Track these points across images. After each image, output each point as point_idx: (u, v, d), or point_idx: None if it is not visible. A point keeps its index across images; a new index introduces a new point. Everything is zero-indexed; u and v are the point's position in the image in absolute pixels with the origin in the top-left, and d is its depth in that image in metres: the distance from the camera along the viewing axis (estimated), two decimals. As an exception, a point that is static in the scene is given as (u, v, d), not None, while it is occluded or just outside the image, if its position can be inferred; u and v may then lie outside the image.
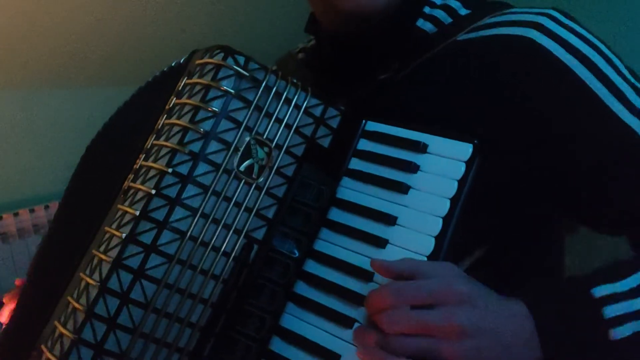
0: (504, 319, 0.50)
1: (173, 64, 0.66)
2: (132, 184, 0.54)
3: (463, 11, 0.66)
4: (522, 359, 0.50)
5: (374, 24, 0.65)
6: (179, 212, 0.52)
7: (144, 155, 0.56)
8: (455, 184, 0.54)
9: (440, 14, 0.66)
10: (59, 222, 0.72)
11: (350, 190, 0.59)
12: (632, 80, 0.59)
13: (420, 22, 0.66)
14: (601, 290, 0.52)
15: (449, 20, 0.66)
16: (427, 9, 0.66)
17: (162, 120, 0.57)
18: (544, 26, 0.59)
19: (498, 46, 0.60)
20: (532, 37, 0.59)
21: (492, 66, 0.60)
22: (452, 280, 0.51)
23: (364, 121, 0.61)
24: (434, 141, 0.57)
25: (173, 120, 0.55)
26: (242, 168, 0.54)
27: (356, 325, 0.53)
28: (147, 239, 0.51)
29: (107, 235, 0.53)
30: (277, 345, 0.55)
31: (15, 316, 0.67)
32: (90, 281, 0.51)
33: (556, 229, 0.68)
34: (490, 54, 0.61)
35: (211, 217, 0.53)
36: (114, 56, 1.55)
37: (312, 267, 0.57)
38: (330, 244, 0.57)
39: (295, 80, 0.58)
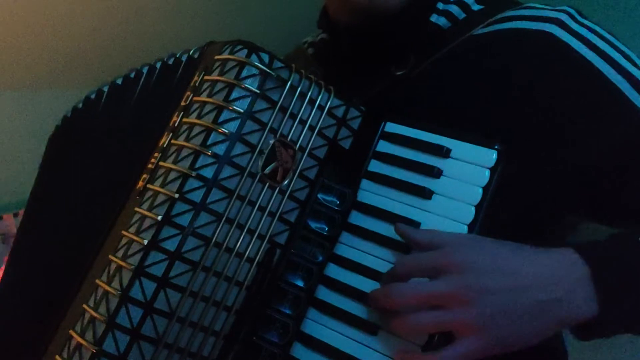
0: (530, 272, 0.48)
1: (178, 55, 0.63)
2: (150, 186, 0.52)
3: (476, 7, 0.66)
4: (566, 311, 0.48)
5: (388, 19, 0.64)
6: (203, 217, 0.50)
7: (159, 154, 0.53)
8: (480, 191, 0.54)
9: (454, 9, 0.65)
10: (42, 218, 0.68)
11: (370, 193, 0.58)
12: None
13: (434, 18, 0.65)
14: None
15: (463, 15, 0.65)
16: (440, 5, 0.65)
17: (179, 117, 0.54)
18: (564, 22, 0.60)
19: (518, 40, 0.61)
20: (552, 32, 0.59)
21: (512, 60, 0.60)
22: (451, 250, 0.50)
23: (383, 122, 0.60)
24: (457, 146, 0.57)
25: (194, 120, 0.52)
26: (266, 171, 0.53)
27: (380, 332, 0.53)
28: (171, 245, 0.49)
29: (124, 240, 0.50)
30: (299, 351, 0.54)
31: (10, 315, 0.63)
32: (110, 289, 0.48)
33: (562, 227, 0.69)
34: (510, 47, 0.61)
35: (236, 222, 0.51)
36: (114, 56, 1.50)
37: (334, 271, 0.56)
38: (352, 248, 0.56)
39: (318, 79, 0.56)
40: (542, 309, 0.48)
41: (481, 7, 0.66)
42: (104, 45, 1.56)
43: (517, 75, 0.60)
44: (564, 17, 0.60)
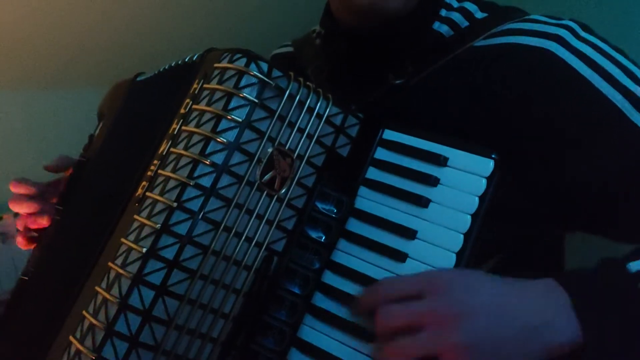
0: (514, 297, 0.49)
1: (187, 59, 0.63)
2: (149, 194, 0.52)
3: (479, 15, 0.65)
4: (551, 336, 0.48)
5: (390, 24, 0.64)
6: (201, 226, 0.50)
7: (158, 162, 0.54)
8: (477, 200, 0.54)
9: (456, 16, 0.65)
10: (60, 229, 0.69)
11: (367, 200, 0.58)
12: None
13: (437, 25, 0.65)
14: (637, 265, 0.50)
15: (466, 23, 0.65)
16: (443, 12, 0.65)
17: (179, 125, 0.54)
18: (564, 39, 0.59)
19: (517, 55, 0.60)
20: (552, 50, 0.59)
21: (509, 76, 0.60)
22: (435, 273, 0.51)
23: (381, 129, 0.60)
24: (454, 154, 0.57)
25: (192, 128, 0.53)
26: (264, 180, 0.53)
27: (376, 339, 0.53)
28: (169, 254, 0.50)
29: (123, 248, 0.51)
30: (295, 357, 0.55)
31: (15, 319, 0.64)
32: (109, 297, 0.49)
33: (559, 230, 0.69)
34: (508, 63, 0.60)
35: (233, 231, 0.52)
36: (114, 56, 1.51)
37: (330, 278, 0.56)
38: (348, 255, 0.57)
39: (316, 87, 0.57)
40: (528, 334, 0.47)
41: (485, 14, 0.66)
42: (107, 45, 1.56)
43: (514, 92, 0.59)
44: (564, 34, 0.59)
